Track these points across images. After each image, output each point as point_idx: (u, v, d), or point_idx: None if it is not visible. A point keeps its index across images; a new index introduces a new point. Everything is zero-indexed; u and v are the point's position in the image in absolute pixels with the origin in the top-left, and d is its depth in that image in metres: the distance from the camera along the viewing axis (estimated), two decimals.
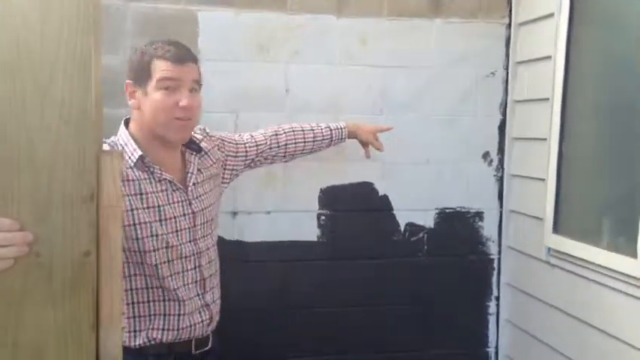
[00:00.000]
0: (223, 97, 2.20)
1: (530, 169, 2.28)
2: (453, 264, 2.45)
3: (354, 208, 2.35)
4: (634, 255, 1.69)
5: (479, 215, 2.46)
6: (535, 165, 2.23)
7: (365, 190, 2.36)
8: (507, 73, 2.41)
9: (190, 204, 1.48)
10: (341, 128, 1.95)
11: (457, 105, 2.41)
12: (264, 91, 2.21)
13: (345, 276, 2.37)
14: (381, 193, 2.37)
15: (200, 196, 1.52)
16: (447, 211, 2.44)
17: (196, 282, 1.49)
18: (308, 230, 2.32)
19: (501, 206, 2.46)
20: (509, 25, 2.37)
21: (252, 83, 2.19)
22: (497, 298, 2.49)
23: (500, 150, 2.45)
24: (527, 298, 2.30)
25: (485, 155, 2.46)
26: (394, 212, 2.39)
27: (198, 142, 1.58)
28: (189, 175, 1.50)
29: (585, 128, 2.01)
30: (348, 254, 2.36)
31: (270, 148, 1.81)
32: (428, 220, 2.42)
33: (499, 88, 2.42)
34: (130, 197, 1.37)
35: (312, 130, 1.90)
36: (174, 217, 1.43)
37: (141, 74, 1.43)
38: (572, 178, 2.05)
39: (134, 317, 1.42)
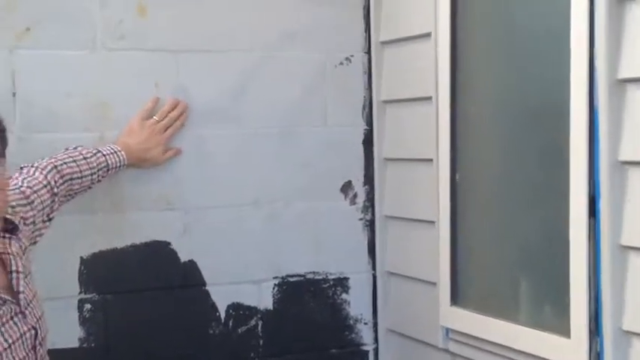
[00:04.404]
0: None
1: (414, 206, 2.15)
2: None
3: (141, 287, 2.13)
4: (566, 333, 1.62)
5: (341, 283, 2.30)
6: (421, 201, 2.11)
7: (157, 254, 2.14)
8: (369, 60, 2.27)
9: (25, 317, 1.55)
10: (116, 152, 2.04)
11: (296, 110, 2.25)
12: None
13: None
14: (183, 258, 2.15)
15: (32, 300, 1.58)
16: (292, 280, 2.25)
17: None
18: (63, 330, 2.05)
19: (374, 268, 2.32)
20: None
21: None
22: None
23: (368, 178, 2.31)
24: None
25: (346, 188, 2.31)
26: (207, 288, 2.17)
27: (11, 216, 1.61)
28: (14, 275, 1.55)
29: (488, 143, 1.93)
30: None
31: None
32: (263, 298, 2.22)
33: (359, 83, 2.29)
34: None
35: (85, 158, 1.96)
36: (14, 342, 1.51)
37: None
38: (473, 220, 1.97)
39: None
